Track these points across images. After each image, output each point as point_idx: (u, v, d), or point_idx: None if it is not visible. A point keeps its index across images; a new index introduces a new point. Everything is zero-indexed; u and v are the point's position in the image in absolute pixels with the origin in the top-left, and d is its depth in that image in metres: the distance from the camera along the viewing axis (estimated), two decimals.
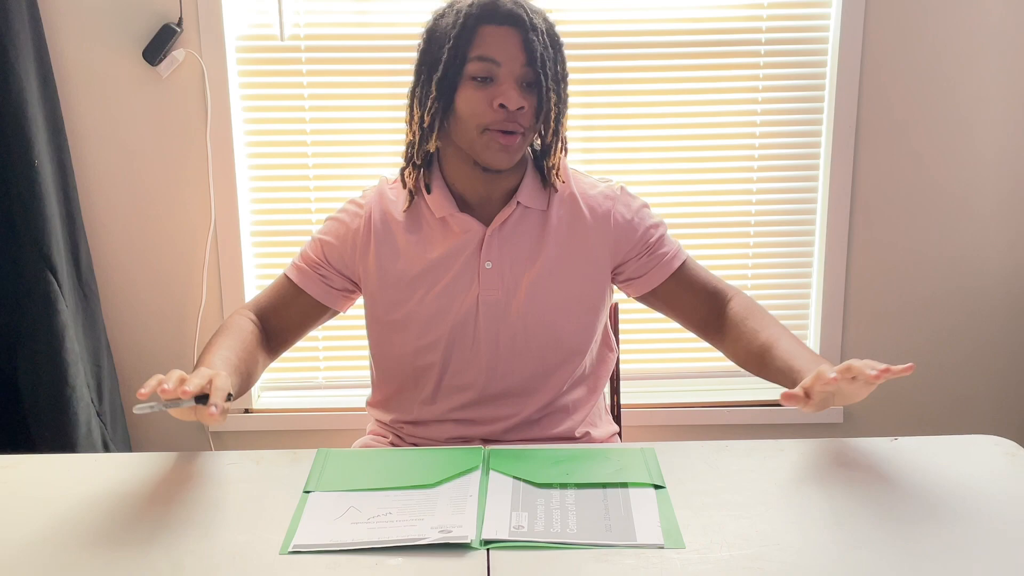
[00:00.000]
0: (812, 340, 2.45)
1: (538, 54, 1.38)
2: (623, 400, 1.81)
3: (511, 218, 1.49)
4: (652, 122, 2.32)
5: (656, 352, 2.44)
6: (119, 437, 2.29)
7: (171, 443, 2.41)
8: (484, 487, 1.22)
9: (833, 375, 1.22)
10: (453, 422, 1.53)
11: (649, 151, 2.33)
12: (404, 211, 1.51)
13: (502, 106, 1.37)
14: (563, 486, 1.22)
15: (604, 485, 1.22)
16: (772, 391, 2.46)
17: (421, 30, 1.46)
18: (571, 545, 1.08)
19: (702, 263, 2.37)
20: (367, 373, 1.66)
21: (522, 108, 1.38)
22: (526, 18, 1.38)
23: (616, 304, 1.77)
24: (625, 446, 1.36)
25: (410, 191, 1.50)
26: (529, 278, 1.48)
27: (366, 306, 1.55)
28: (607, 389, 1.75)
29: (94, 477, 1.27)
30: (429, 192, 1.49)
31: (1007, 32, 2.25)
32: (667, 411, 2.42)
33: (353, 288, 1.56)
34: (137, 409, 1.20)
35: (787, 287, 2.43)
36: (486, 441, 1.52)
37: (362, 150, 2.32)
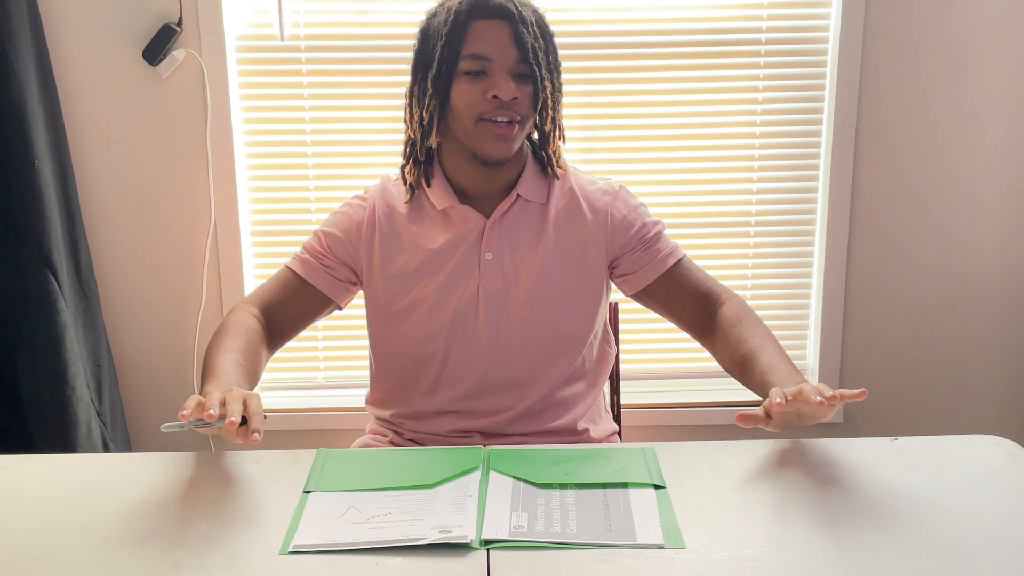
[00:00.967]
0: (812, 340, 2.45)
1: (529, 46, 1.41)
2: (623, 400, 1.81)
3: (511, 210, 1.51)
4: (652, 122, 2.32)
5: (656, 352, 2.44)
6: (119, 437, 2.29)
7: (171, 443, 2.41)
8: (484, 487, 1.22)
9: (780, 400, 1.24)
10: (454, 414, 1.54)
11: (649, 151, 2.33)
12: (406, 203, 1.53)
13: (496, 97, 1.40)
14: (563, 486, 1.22)
15: (604, 485, 1.22)
16: None
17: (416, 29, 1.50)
18: (571, 545, 1.08)
19: (702, 263, 2.37)
20: (367, 373, 1.66)
21: (516, 98, 1.41)
22: (515, 11, 1.42)
23: (616, 303, 1.77)
24: (625, 446, 1.36)
25: (411, 185, 1.53)
26: (529, 269, 1.49)
27: (368, 299, 1.56)
28: (607, 388, 1.75)
29: (94, 477, 1.27)
30: (430, 186, 1.51)
31: (1007, 32, 2.25)
32: (667, 411, 2.42)
33: (355, 280, 1.57)
34: (165, 427, 1.21)
35: (787, 287, 2.43)
36: (486, 436, 1.52)
37: (362, 150, 2.32)
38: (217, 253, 2.31)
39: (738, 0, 2.26)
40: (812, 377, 2.45)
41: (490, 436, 1.52)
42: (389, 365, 1.57)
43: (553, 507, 1.16)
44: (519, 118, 1.43)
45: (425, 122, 1.46)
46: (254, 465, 1.29)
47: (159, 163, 2.26)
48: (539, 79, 1.43)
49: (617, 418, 1.77)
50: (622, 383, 1.80)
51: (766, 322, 2.44)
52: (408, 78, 1.51)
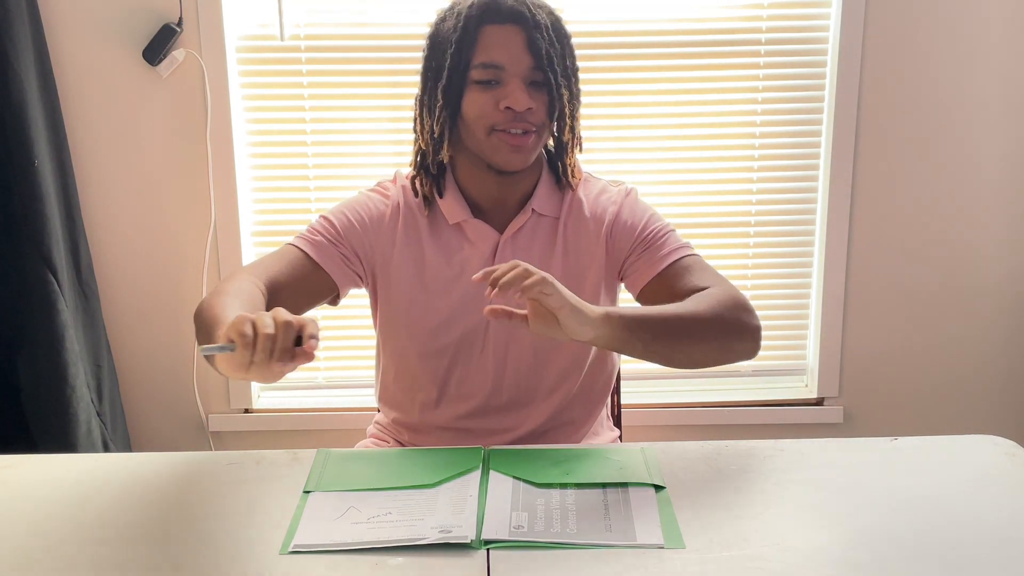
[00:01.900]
0: (812, 340, 2.45)
1: (544, 52, 1.35)
2: (623, 400, 1.80)
3: (526, 226, 1.46)
4: (652, 122, 2.32)
5: None
6: (119, 437, 2.29)
7: (171, 443, 2.42)
8: (484, 487, 1.22)
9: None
10: (455, 431, 1.51)
11: (649, 151, 2.33)
12: (425, 216, 1.47)
13: (509, 108, 1.34)
14: (563, 486, 1.22)
15: (604, 485, 1.22)
16: (772, 391, 2.47)
17: (424, 31, 1.44)
18: (571, 545, 1.08)
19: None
20: (367, 373, 1.66)
21: (530, 108, 1.35)
22: (528, 15, 1.35)
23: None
24: (625, 446, 1.36)
25: (424, 197, 1.47)
26: None
27: (380, 299, 1.50)
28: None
29: (94, 477, 1.27)
30: (442, 197, 1.46)
31: (1007, 32, 2.25)
32: (667, 411, 2.42)
33: (362, 275, 1.49)
34: (205, 349, 1.10)
35: (787, 287, 2.43)
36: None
37: (362, 150, 2.32)
38: (217, 253, 2.31)
39: (738, 0, 2.26)
40: (812, 377, 2.45)
41: None
42: (393, 371, 1.54)
43: (553, 507, 1.16)
44: (534, 128, 1.37)
45: (436, 135, 1.40)
46: (254, 465, 1.29)
47: (159, 163, 2.26)
48: (555, 87, 1.36)
49: (617, 418, 1.77)
50: (622, 383, 1.80)
51: (766, 322, 2.45)
52: (414, 82, 1.45)
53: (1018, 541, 1.09)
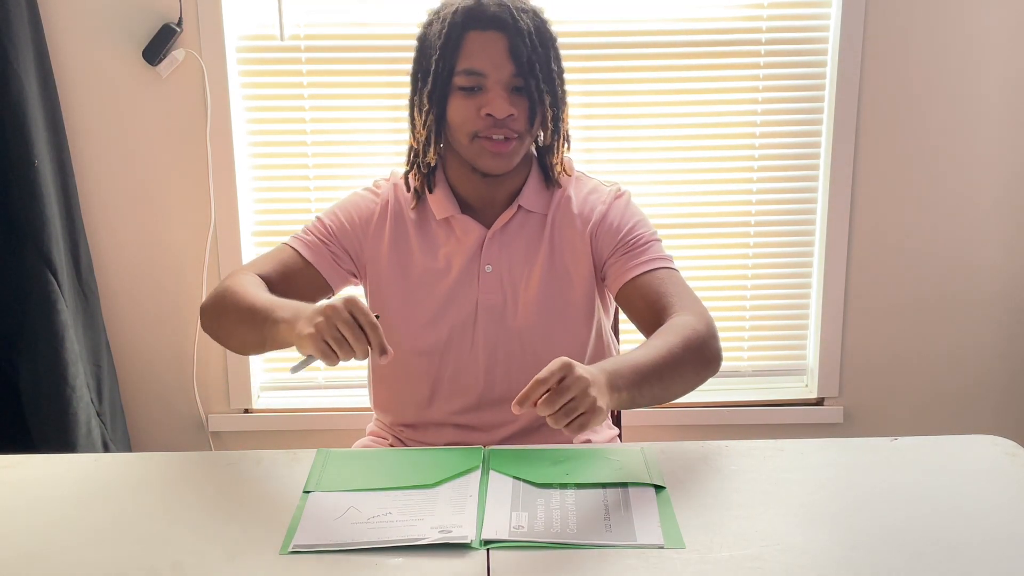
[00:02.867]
0: (812, 340, 2.45)
1: (525, 59, 1.37)
2: None
3: (512, 221, 1.49)
4: (652, 122, 2.31)
5: None
6: (119, 437, 2.29)
7: (171, 443, 2.41)
8: (484, 487, 1.22)
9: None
10: (452, 427, 1.52)
11: (649, 151, 2.33)
12: (412, 209, 1.51)
13: (489, 115, 1.37)
14: (563, 486, 1.22)
15: (604, 485, 1.22)
16: (772, 391, 2.47)
17: (416, 33, 1.48)
18: (571, 545, 1.08)
19: (702, 263, 2.39)
20: (367, 373, 1.66)
21: (512, 115, 1.37)
22: (511, 21, 1.37)
23: (618, 308, 1.76)
24: (625, 446, 1.36)
25: (415, 190, 1.50)
26: (526, 282, 1.47)
27: (370, 294, 1.53)
28: None
29: (94, 477, 1.27)
30: (432, 193, 1.49)
31: (1007, 32, 2.25)
32: (667, 411, 2.42)
33: (355, 273, 1.53)
34: (293, 370, 1.19)
35: (787, 287, 2.43)
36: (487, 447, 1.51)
37: (362, 150, 2.32)
38: (217, 253, 2.31)
39: (738, 0, 2.26)
40: (812, 377, 2.45)
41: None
42: (386, 372, 1.55)
43: (553, 507, 1.16)
44: (516, 135, 1.39)
45: (423, 138, 1.44)
46: (254, 465, 1.29)
47: (159, 163, 2.26)
48: (537, 94, 1.39)
49: (617, 418, 1.77)
50: None
51: (766, 322, 2.46)
52: (406, 82, 1.48)
53: (1018, 541, 1.09)
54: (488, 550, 1.08)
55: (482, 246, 1.48)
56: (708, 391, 2.42)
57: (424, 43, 1.44)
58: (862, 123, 2.30)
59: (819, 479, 1.24)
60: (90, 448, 2.14)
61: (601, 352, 1.55)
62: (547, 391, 1.13)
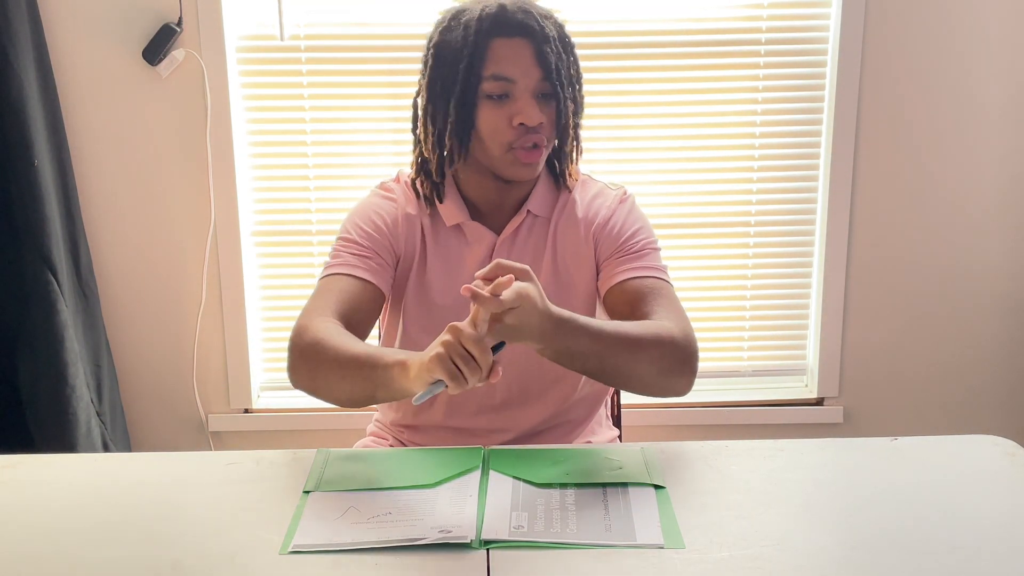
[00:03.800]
0: (812, 340, 2.45)
1: (553, 66, 1.37)
2: (623, 400, 1.80)
3: (521, 227, 1.48)
4: (652, 122, 2.32)
5: None
6: (119, 437, 2.29)
7: (171, 443, 2.41)
8: (484, 487, 1.22)
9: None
10: (452, 430, 1.52)
11: (649, 151, 2.33)
12: (428, 216, 1.49)
13: (522, 124, 1.37)
14: (563, 486, 1.22)
15: (604, 485, 1.22)
16: (772, 391, 2.47)
17: (423, 32, 1.46)
18: (571, 545, 1.08)
19: (702, 263, 2.39)
20: None
21: (541, 123, 1.38)
22: (537, 28, 1.37)
23: None
24: (625, 446, 1.36)
25: (425, 198, 1.49)
26: None
27: (391, 297, 1.51)
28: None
29: (94, 477, 1.27)
30: (442, 201, 1.48)
31: (1007, 32, 2.25)
32: (667, 411, 2.42)
33: (395, 274, 1.49)
34: (419, 399, 1.16)
35: (787, 287, 2.43)
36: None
37: (362, 150, 2.32)
38: (217, 253, 2.31)
39: (738, 0, 2.26)
40: (812, 377, 2.45)
41: None
42: None
43: (553, 507, 1.16)
44: (545, 142, 1.40)
45: (448, 148, 1.41)
46: (254, 465, 1.29)
47: (159, 163, 2.26)
48: (563, 100, 1.39)
49: (617, 419, 1.77)
50: None
51: (766, 322, 2.46)
52: (413, 82, 1.46)
53: (1018, 541, 1.09)
54: (488, 550, 1.08)
55: (492, 252, 1.47)
56: (708, 391, 2.45)
57: (444, 51, 1.40)
58: (862, 123, 2.30)
59: (819, 479, 1.24)
60: (90, 448, 2.14)
61: None
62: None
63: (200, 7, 2.17)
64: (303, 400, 2.41)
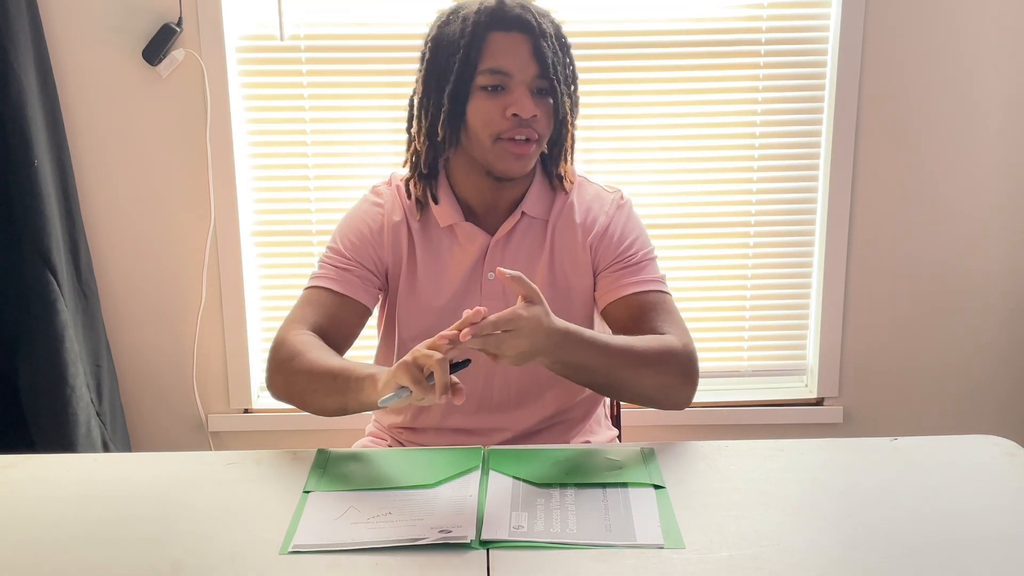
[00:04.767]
0: (812, 340, 2.45)
1: (550, 61, 1.37)
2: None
3: (516, 229, 1.48)
4: (652, 122, 2.32)
5: None
6: (119, 437, 2.29)
7: (171, 443, 2.41)
8: (484, 487, 1.22)
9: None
10: (450, 431, 1.52)
11: (649, 151, 2.33)
12: (418, 220, 1.49)
13: (515, 115, 1.37)
14: (563, 486, 1.22)
15: (604, 485, 1.22)
16: (772, 391, 2.47)
17: (423, 32, 1.46)
18: (571, 545, 1.08)
19: (702, 263, 2.39)
20: None
21: (535, 116, 1.37)
22: (535, 23, 1.37)
23: None
24: (625, 446, 1.36)
25: (418, 200, 1.48)
26: None
27: (384, 303, 1.53)
28: None
29: (94, 477, 1.27)
30: (436, 203, 1.48)
31: (1007, 32, 2.25)
32: (667, 411, 2.41)
33: (381, 288, 1.51)
34: (384, 401, 1.18)
35: (787, 287, 2.43)
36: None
37: (362, 150, 2.32)
38: (217, 253, 2.31)
39: (738, 0, 2.26)
40: (812, 377, 2.45)
41: None
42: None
43: (553, 507, 1.16)
44: (537, 136, 1.39)
45: (439, 137, 1.41)
46: (254, 465, 1.29)
47: (159, 163, 2.26)
48: (559, 95, 1.39)
49: (617, 419, 1.77)
50: None
51: (766, 322, 2.46)
52: (406, 82, 1.47)
53: (1018, 541, 1.09)
54: (488, 550, 1.08)
55: (485, 254, 1.47)
56: (708, 391, 2.45)
57: (441, 43, 1.41)
58: (862, 123, 2.30)
59: (819, 479, 1.24)
60: (90, 448, 2.14)
61: None
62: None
63: (200, 7, 2.17)
64: None
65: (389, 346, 1.55)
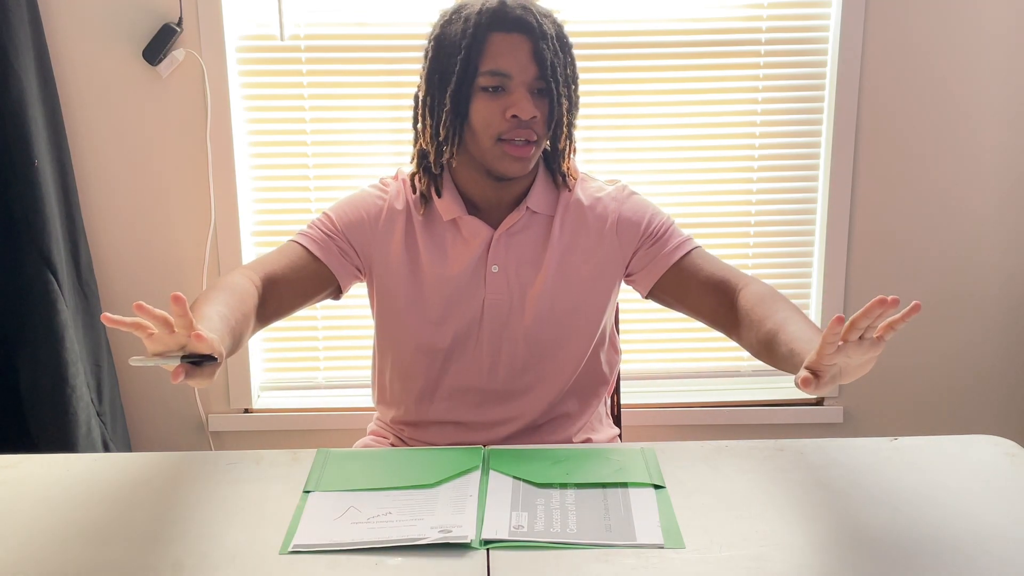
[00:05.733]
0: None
1: (548, 63, 1.38)
2: (623, 400, 1.81)
3: (519, 223, 1.49)
4: (652, 122, 2.32)
5: (656, 352, 2.44)
6: (119, 437, 2.29)
7: (171, 443, 2.41)
8: (484, 487, 1.22)
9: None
10: (453, 424, 1.53)
11: (649, 151, 2.33)
12: (421, 214, 1.50)
13: (515, 116, 1.37)
14: (563, 486, 1.22)
15: (604, 485, 1.22)
16: (771, 391, 2.47)
17: (424, 31, 1.46)
18: (571, 545, 1.08)
19: None
20: (367, 373, 1.66)
21: (534, 117, 1.38)
22: (535, 24, 1.38)
23: (617, 305, 1.76)
24: (625, 446, 1.36)
25: (422, 194, 1.50)
26: (532, 283, 1.48)
27: (377, 295, 1.53)
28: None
29: (94, 477, 1.27)
30: (440, 196, 1.49)
31: (1007, 32, 2.25)
32: (667, 411, 2.42)
33: (361, 268, 1.52)
34: (134, 360, 1.20)
35: (787, 287, 2.43)
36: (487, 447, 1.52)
37: (362, 150, 2.32)
38: (217, 253, 2.31)
39: (738, 0, 2.26)
40: None
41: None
42: (390, 366, 1.56)
43: (553, 507, 1.16)
44: (536, 137, 1.40)
45: (442, 137, 1.42)
46: (254, 465, 1.29)
47: (159, 163, 2.26)
48: (556, 97, 1.40)
49: (617, 418, 1.77)
50: (622, 383, 1.80)
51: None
52: (413, 82, 1.47)
53: (1018, 541, 1.09)
54: (488, 550, 1.08)
55: (489, 247, 1.48)
56: (708, 391, 2.45)
57: (444, 43, 1.42)
58: (862, 123, 2.30)
59: (819, 479, 1.24)
60: (90, 448, 2.14)
61: (601, 349, 1.57)
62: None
63: (200, 7, 2.17)
64: (303, 400, 2.44)
65: (388, 346, 1.55)
